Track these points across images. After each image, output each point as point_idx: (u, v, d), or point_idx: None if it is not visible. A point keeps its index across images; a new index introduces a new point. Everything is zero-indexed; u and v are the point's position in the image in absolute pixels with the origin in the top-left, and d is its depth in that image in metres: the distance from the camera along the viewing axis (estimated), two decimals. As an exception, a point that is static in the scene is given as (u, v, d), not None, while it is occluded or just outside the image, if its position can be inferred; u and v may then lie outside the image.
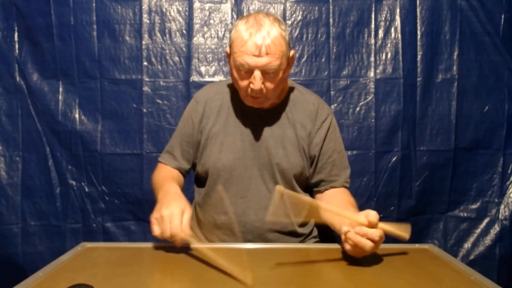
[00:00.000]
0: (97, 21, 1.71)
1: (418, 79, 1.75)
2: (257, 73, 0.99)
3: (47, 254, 1.75)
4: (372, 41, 1.75)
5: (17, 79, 1.74)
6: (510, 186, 1.80)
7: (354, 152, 1.75)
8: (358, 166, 1.74)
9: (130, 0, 1.72)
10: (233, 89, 1.17)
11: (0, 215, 1.74)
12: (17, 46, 1.73)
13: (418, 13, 1.73)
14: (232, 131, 1.13)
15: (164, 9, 1.74)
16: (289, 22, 1.73)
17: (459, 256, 1.80)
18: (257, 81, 1.00)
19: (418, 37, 1.74)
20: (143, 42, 1.73)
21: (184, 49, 1.75)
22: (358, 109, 1.76)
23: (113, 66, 1.73)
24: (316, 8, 1.74)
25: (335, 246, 1.01)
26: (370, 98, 1.75)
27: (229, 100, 1.16)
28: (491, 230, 1.79)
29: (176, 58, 1.75)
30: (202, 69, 1.75)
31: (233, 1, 1.74)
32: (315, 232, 1.25)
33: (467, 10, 1.73)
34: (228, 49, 1.08)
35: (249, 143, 1.12)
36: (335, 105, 1.75)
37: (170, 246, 0.99)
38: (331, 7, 1.73)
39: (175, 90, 1.75)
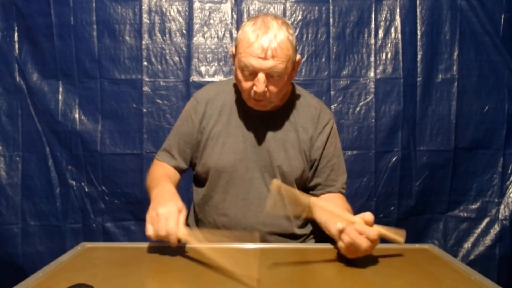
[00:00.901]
0: (97, 21, 1.71)
1: (418, 79, 1.75)
2: (261, 76, 0.99)
3: (47, 254, 1.75)
4: (372, 41, 1.75)
5: (17, 79, 1.74)
6: (510, 186, 1.80)
7: (354, 152, 1.74)
8: (358, 166, 1.74)
9: (130, 0, 1.72)
10: (235, 89, 1.16)
11: (0, 215, 1.74)
12: (17, 46, 1.73)
13: (418, 13, 1.73)
14: (234, 132, 1.12)
15: (164, 9, 1.74)
16: (289, 22, 1.73)
17: (459, 256, 1.80)
18: (260, 84, 0.99)
19: (418, 37, 1.74)
20: (143, 42, 1.73)
21: (184, 49, 1.75)
22: (358, 109, 1.76)
23: (113, 66, 1.73)
24: (316, 8, 1.74)
25: (335, 246, 1.01)
26: (370, 98, 1.75)
27: (231, 100, 1.16)
28: (491, 230, 1.79)
29: (176, 58, 1.75)
30: (202, 69, 1.75)
31: (233, 1, 1.74)
32: (316, 233, 1.25)
33: (467, 10, 1.73)
34: (233, 49, 1.07)
35: (250, 144, 1.11)
36: (335, 105, 1.75)
37: (170, 246, 0.99)
38: (331, 7, 1.73)
39: (175, 90, 1.75)
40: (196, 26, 1.75)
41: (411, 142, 1.77)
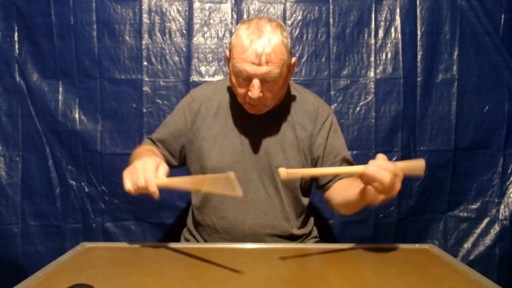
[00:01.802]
0: (97, 21, 1.71)
1: (418, 79, 1.75)
2: (255, 82, 0.97)
3: (47, 254, 1.74)
4: (372, 41, 1.75)
5: (17, 79, 1.74)
6: (510, 186, 1.79)
7: (354, 152, 1.74)
8: (358, 166, 1.74)
9: (130, 0, 1.72)
10: (232, 90, 1.16)
11: (0, 215, 1.74)
12: (17, 46, 1.73)
13: (418, 13, 1.73)
14: (231, 134, 1.12)
15: (164, 9, 1.74)
16: (289, 22, 1.73)
17: (459, 256, 1.80)
18: (255, 90, 0.98)
19: (418, 37, 1.74)
20: (143, 42, 1.73)
21: (184, 49, 1.75)
22: (358, 109, 1.76)
23: (113, 66, 1.73)
24: (316, 8, 1.73)
25: (335, 246, 1.01)
26: (370, 98, 1.75)
27: (227, 101, 1.15)
28: (491, 230, 1.79)
29: (176, 58, 1.75)
30: (202, 69, 1.75)
31: (233, 1, 1.74)
32: (315, 232, 1.25)
33: (467, 10, 1.73)
34: (227, 53, 1.07)
35: (248, 146, 1.11)
36: (335, 105, 1.75)
37: (170, 246, 0.99)
38: (331, 7, 1.73)
39: (175, 90, 1.75)
40: (196, 26, 1.75)
41: (411, 142, 1.77)
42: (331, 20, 1.74)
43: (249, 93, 1.00)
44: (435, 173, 1.77)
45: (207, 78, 1.74)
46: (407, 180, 1.77)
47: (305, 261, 0.85)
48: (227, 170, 1.10)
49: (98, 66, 1.73)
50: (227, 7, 1.75)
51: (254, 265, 0.82)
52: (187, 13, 1.74)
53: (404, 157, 1.75)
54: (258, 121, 1.11)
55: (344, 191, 1.04)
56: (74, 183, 1.77)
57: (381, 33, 1.75)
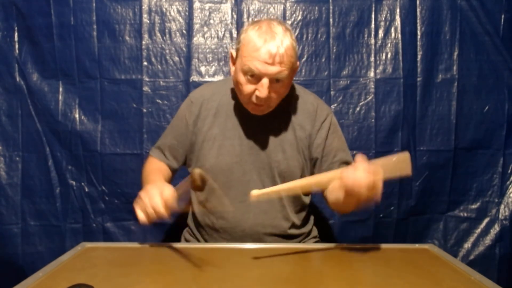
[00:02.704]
0: (97, 21, 1.71)
1: (418, 79, 1.75)
2: (265, 81, 0.99)
3: (47, 254, 1.74)
4: (372, 41, 1.75)
5: (17, 79, 1.74)
6: (510, 186, 1.79)
7: (354, 152, 1.74)
8: (358, 166, 1.74)
9: (130, 0, 1.72)
10: (232, 90, 1.16)
11: (0, 215, 1.74)
12: (17, 46, 1.73)
13: (418, 13, 1.73)
14: (230, 134, 1.12)
15: (164, 9, 1.74)
16: (289, 22, 1.73)
17: (459, 256, 1.80)
18: (264, 89, 0.99)
19: (418, 37, 1.74)
20: (143, 42, 1.73)
21: (184, 49, 1.75)
22: (358, 109, 1.76)
23: (113, 66, 1.73)
24: (316, 8, 1.73)
25: (335, 246, 1.01)
26: (370, 98, 1.75)
27: (227, 102, 1.15)
28: (491, 230, 1.79)
29: (176, 58, 1.75)
30: (202, 69, 1.75)
31: (233, 1, 1.74)
32: (315, 232, 1.26)
33: (467, 10, 1.73)
34: (233, 52, 1.07)
35: (247, 146, 1.11)
36: (335, 105, 1.75)
37: (170, 246, 0.99)
38: (331, 7, 1.73)
39: (175, 90, 1.75)
40: (196, 26, 1.75)
41: (411, 142, 1.77)
42: (331, 20, 1.74)
43: (257, 92, 1.00)
44: (435, 173, 1.77)
45: (207, 78, 1.74)
46: (407, 180, 1.77)
47: (305, 261, 0.85)
48: (227, 170, 1.10)
49: (98, 66, 1.73)
50: (227, 7, 1.75)
51: (254, 265, 0.82)
52: (187, 13, 1.74)
53: (404, 157, 1.75)
54: (257, 122, 1.11)
55: (337, 191, 1.04)
56: (74, 183, 1.77)
57: (381, 33, 1.75)
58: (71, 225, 1.77)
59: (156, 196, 0.88)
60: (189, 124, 1.15)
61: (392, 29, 1.74)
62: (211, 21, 1.75)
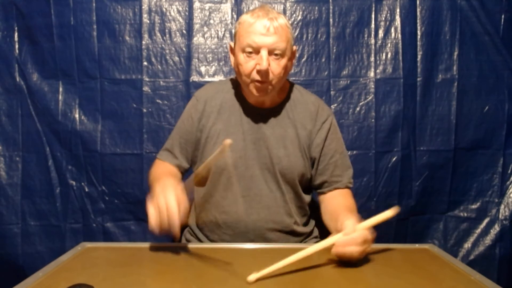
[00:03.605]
0: (97, 21, 1.71)
1: (418, 79, 1.75)
2: (263, 53, 1.01)
3: (47, 254, 1.75)
4: (372, 41, 1.75)
5: (17, 79, 1.74)
6: (510, 186, 1.79)
7: (354, 152, 1.74)
8: (358, 166, 1.74)
9: (130, 0, 1.72)
10: (235, 87, 1.17)
11: (0, 215, 1.74)
12: (17, 46, 1.73)
13: (418, 13, 1.73)
14: (233, 130, 1.13)
15: (164, 9, 1.74)
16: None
17: (459, 256, 1.80)
18: (264, 61, 1.01)
19: (418, 37, 1.74)
20: (143, 42, 1.73)
21: (184, 49, 1.75)
22: (358, 109, 1.76)
23: (113, 66, 1.73)
24: (316, 8, 1.73)
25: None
26: (370, 98, 1.75)
27: (230, 98, 1.16)
28: (491, 230, 1.79)
29: (176, 58, 1.75)
30: (202, 69, 1.75)
31: (233, 1, 1.75)
32: (316, 232, 1.26)
33: (467, 10, 1.73)
34: (231, 44, 1.09)
35: (250, 142, 1.12)
36: (335, 105, 1.75)
37: (170, 246, 0.99)
38: (331, 7, 1.73)
39: (175, 90, 1.75)
40: (196, 26, 1.75)
41: (411, 142, 1.77)
42: (331, 20, 1.74)
43: (258, 66, 1.02)
44: (435, 173, 1.77)
45: (207, 78, 1.74)
46: (407, 180, 1.78)
47: (305, 261, 0.85)
48: (230, 166, 1.11)
49: (98, 66, 1.73)
50: (227, 7, 1.75)
51: (255, 265, 0.82)
52: (187, 13, 1.74)
53: (404, 157, 1.75)
54: (260, 118, 1.12)
55: (330, 216, 1.07)
56: (74, 183, 1.77)
57: (381, 33, 1.75)
58: (71, 225, 1.77)
59: (171, 197, 0.85)
60: (195, 121, 1.16)
61: (392, 29, 1.74)
62: (211, 21, 1.75)
